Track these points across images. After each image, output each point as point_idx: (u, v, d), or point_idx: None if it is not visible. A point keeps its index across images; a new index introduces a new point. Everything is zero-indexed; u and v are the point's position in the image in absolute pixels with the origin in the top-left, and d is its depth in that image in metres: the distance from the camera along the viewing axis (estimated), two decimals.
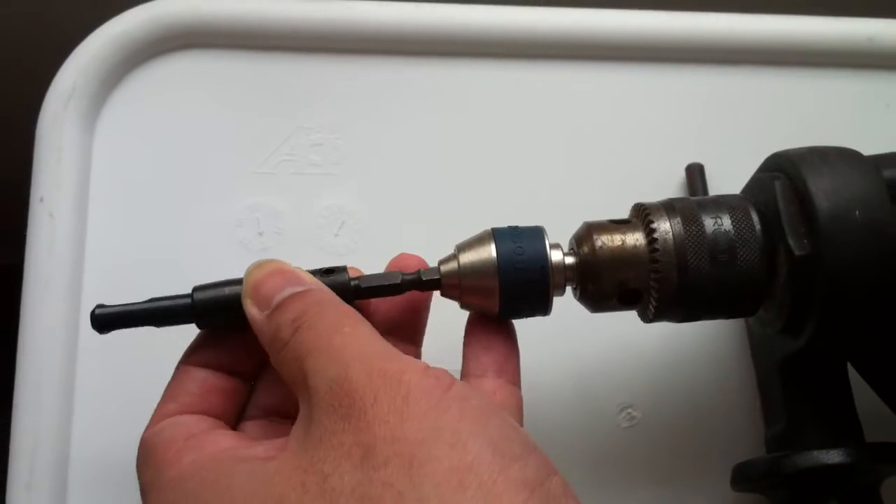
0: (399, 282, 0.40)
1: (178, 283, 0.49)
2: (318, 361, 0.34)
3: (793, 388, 0.44)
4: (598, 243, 0.40)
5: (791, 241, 0.40)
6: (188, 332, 0.49)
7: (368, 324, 0.37)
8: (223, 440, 0.37)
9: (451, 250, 0.41)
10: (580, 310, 0.43)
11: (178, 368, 0.41)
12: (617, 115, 0.54)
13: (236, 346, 0.40)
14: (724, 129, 0.54)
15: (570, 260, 0.40)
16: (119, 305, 0.41)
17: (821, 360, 0.43)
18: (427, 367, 0.34)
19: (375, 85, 0.54)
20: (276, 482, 0.32)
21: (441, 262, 0.41)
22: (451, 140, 0.53)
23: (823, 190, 0.40)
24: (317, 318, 0.36)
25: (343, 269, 0.40)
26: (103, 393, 0.48)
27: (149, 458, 0.37)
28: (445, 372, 0.34)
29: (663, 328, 0.44)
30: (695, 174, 0.52)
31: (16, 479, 0.46)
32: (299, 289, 0.38)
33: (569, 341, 0.49)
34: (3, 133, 0.78)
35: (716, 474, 0.47)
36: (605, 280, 0.40)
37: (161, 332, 0.49)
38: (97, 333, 0.41)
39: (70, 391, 0.48)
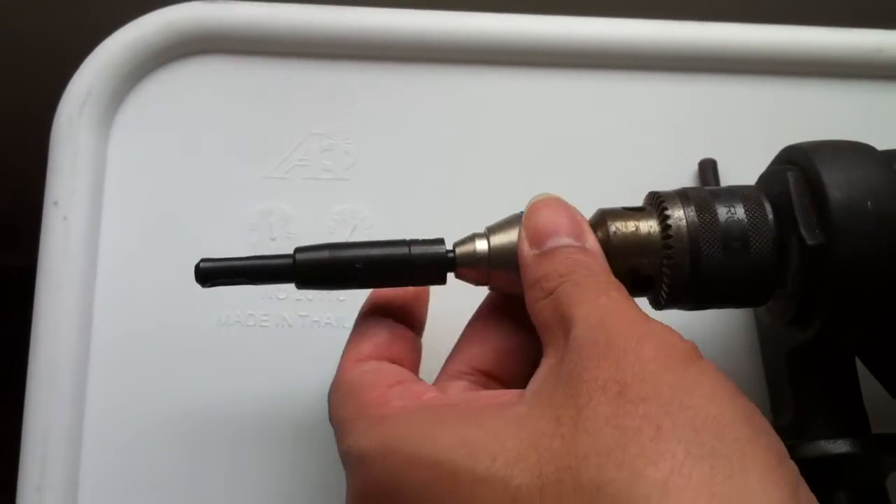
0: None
1: (190, 288, 0.49)
2: (582, 310, 0.35)
3: (800, 380, 0.44)
4: (612, 229, 0.41)
5: (803, 231, 0.40)
6: (206, 347, 0.49)
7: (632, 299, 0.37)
8: (433, 393, 0.37)
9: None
10: None
11: (363, 313, 0.42)
12: (630, 122, 0.55)
13: (410, 304, 0.42)
14: (734, 140, 0.54)
15: None
16: (223, 259, 0.42)
17: (829, 353, 0.43)
18: (683, 338, 0.35)
19: (387, 91, 0.54)
20: (527, 422, 0.32)
21: (468, 243, 0.41)
22: (463, 144, 0.54)
23: (836, 181, 0.40)
24: (586, 278, 0.37)
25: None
26: (115, 395, 0.48)
27: (351, 396, 0.38)
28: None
29: (672, 323, 0.44)
30: (707, 169, 0.52)
31: (26, 481, 0.47)
32: (576, 244, 0.38)
33: None
34: (18, 137, 0.79)
35: None
36: (618, 266, 0.40)
37: (175, 335, 0.49)
38: (201, 285, 0.42)
39: (82, 393, 0.48)
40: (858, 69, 0.57)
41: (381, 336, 0.41)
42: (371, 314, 0.42)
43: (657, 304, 0.42)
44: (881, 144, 0.43)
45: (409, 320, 0.42)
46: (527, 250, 0.39)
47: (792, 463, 0.32)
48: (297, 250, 0.41)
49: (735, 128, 0.55)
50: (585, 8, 0.57)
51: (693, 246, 0.40)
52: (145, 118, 0.53)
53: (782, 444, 0.33)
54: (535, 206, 0.40)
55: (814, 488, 0.42)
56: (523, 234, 0.39)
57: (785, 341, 0.44)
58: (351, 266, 0.41)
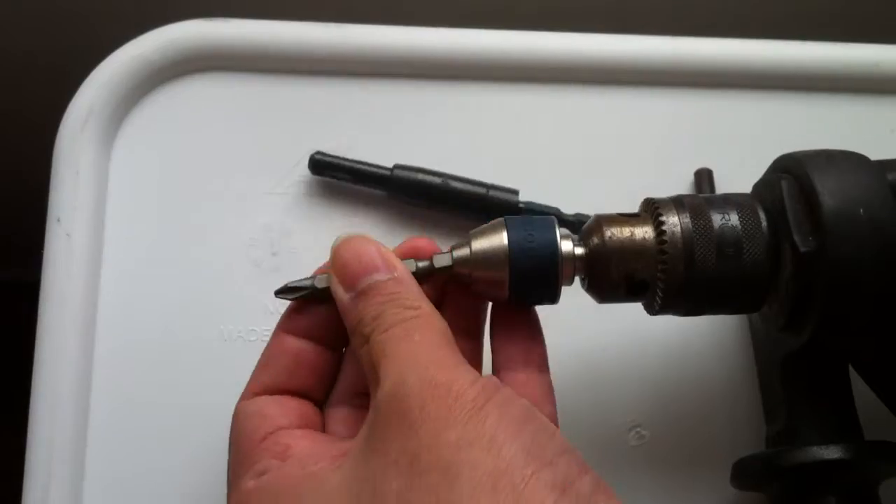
0: (414, 270, 0.41)
1: (192, 302, 0.50)
2: (385, 368, 0.36)
3: (794, 387, 0.44)
4: (608, 234, 0.41)
5: (796, 238, 0.40)
6: (207, 362, 0.49)
7: (441, 327, 0.38)
8: (298, 446, 0.38)
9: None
10: (579, 319, 0.43)
11: (274, 335, 0.42)
12: (629, 134, 0.55)
13: (329, 315, 0.40)
14: (732, 154, 0.54)
15: (579, 250, 0.41)
16: (334, 156, 0.52)
17: (822, 359, 0.44)
18: (478, 378, 0.35)
19: (387, 107, 0.55)
20: (336, 494, 0.34)
21: (453, 248, 0.41)
22: (464, 159, 0.54)
23: (829, 189, 0.40)
24: (393, 320, 0.37)
25: None
26: (118, 410, 0.49)
27: (233, 443, 0.39)
28: (495, 381, 0.36)
29: (667, 330, 0.44)
30: (703, 178, 0.53)
31: (31, 498, 0.47)
32: (383, 277, 0.39)
33: (575, 358, 0.50)
34: (21, 154, 0.79)
35: (719, 478, 0.47)
36: (614, 271, 0.41)
37: (177, 351, 0.49)
38: None
39: (85, 409, 0.48)
40: (856, 83, 0.57)
41: (282, 364, 0.41)
42: (284, 333, 0.41)
43: (651, 309, 0.42)
44: (878, 157, 0.43)
45: (329, 336, 0.42)
46: (342, 295, 0.39)
47: (580, 484, 0.33)
48: (396, 167, 0.51)
49: (734, 140, 0.55)
50: (586, 24, 0.58)
51: (687, 252, 0.40)
52: (147, 135, 0.53)
53: (574, 462, 0.34)
54: (339, 248, 0.40)
55: (805, 495, 0.43)
56: (335, 280, 0.40)
57: (778, 348, 0.45)
58: (436, 188, 0.51)
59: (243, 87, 0.54)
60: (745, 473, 0.45)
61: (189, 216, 0.52)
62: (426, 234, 0.52)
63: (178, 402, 0.49)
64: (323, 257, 0.51)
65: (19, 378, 0.51)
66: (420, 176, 0.51)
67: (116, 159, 0.53)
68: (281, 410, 0.40)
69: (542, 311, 0.42)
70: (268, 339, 0.49)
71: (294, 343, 0.41)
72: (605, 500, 0.33)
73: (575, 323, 0.49)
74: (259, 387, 0.40)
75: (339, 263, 0.39)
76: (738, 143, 0.55)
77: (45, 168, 0.51)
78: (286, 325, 0.41)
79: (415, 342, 0.37)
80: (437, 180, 0.51)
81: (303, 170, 0.53)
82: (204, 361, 0.49)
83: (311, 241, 0.52)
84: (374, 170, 0.52)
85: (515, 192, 0.52)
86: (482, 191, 0.52)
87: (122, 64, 0.53)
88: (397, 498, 0.32)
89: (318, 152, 0.52)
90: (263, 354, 0.41)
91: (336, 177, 0.52)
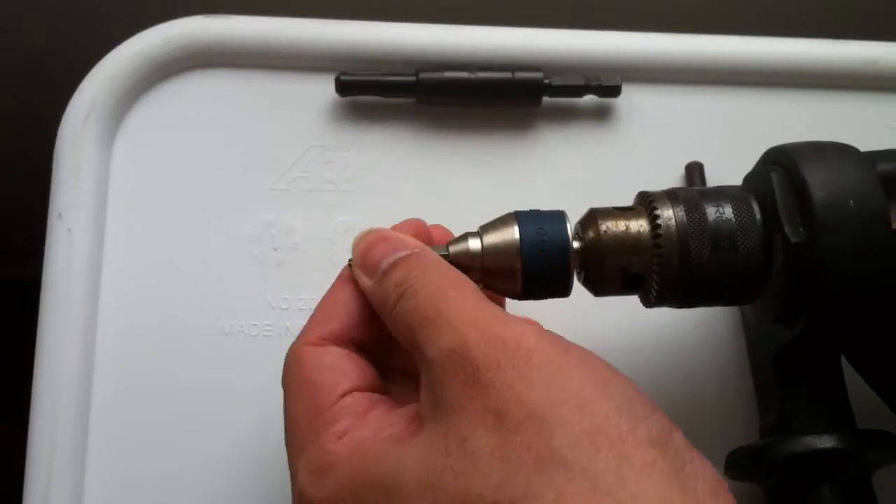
0: None
1: (194, 298, 0.50)
2: (428, 331, 0.35)
3: (787, 378, 0.44)
4: (603, 228, 0.41)
5: (787, 229, 0.40)
6: (209, 357, 0.49)
7: (472, 284, 0.38)
8: (376, 409, 0.38)
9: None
10: (573, 312, 0.43)
11: (338, 283, 0.41)
12: (621, 130, 0.56)
13: None
14: (728, 151, 0.54)
15: (575, 244, 0.41)
16: (358, 74, 0.53)
17: (814, 350, 0.44)
18: (540, 330, 0.35)
19: (388, 102, 0.55)
20: (423, 453, 0.33)
21: (462, 242, 0.41)
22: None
23: (819, 180, 0.41)
24: (420, 283, 0.37)
25: None
26: (120, 407, 0.49)
27: (302, 393, 0.38)
28: (559, 336, 0.35)
29: (660, 322, 0.45)
30: (694, 171, 0.53)
31: (32, 494, 0.47)
32: (403, 253, 0.39)
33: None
34: (23, 149, 0.79)
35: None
36: (609, 264, 0.41)
37: (179, 346, 0.49)
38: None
39: (86, 405, 0.48)
40: (854, 81, 0.57)
41: (351, 314, 0.40)
42: (347, 281, 0.41)
43: (647, 302, 0.42)
44: None
45: None
46: (367, 283, 0.39)
47: (674, 440, 0.33)
48: (420, 70, 0.53)
49: (730, 138, 0.55)
50: (575, 21, 0.58)
51: (682, 245, 0.41)
52: (148, 131, 0.53)
53: (664, 419, 0.34)
54: (359, 245, 0.40)
55: (800, 484, 0.43)
56: (360, 273, 0.40)
57: (771, 340, 0.45)
58: (464, 81, 0.53)
59: (245, 83, 0.55)
60: (738, 464, 0.45)
61: (190, 211, 0.52)
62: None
63: (180, 398, 0.49)
64: (325, 253, 0.51)
65: (19, 375, 0.51)
66: (447, 74, 0.53)
67: (118, 155, 0.53)
68: (357, 370, 0.39)
69: (537, 305, 0.42)
70: (269, 334, 0.49)
71: (358, 293, 0.40)
72: (698, 456, 0.33)
73: (567, 317, 0.49)
74: (326, 334, 0.40)
75: (359, 255, 0.40)
76: (734, 140, 0.55)
77: (47, 164, 0.51)
78: (349, 275, 0.41)
79: (452, 300, 0.36)
80: (464, 74, 0.53)
81: (305, 165, 0.53)
82: (206, 357, 0.50)
83: (312, 237, 0.52)
84: (400, 78, 0.53)
85: (539, 71, 0.54)
86: (507, 75, 0.53)
87: (124, 60, 0.53)
88: (492, 452, 0.32)
89: (343, 73, 0.53)
90: (327, 300, 0.41)
91: (363, 92, 0.53)
